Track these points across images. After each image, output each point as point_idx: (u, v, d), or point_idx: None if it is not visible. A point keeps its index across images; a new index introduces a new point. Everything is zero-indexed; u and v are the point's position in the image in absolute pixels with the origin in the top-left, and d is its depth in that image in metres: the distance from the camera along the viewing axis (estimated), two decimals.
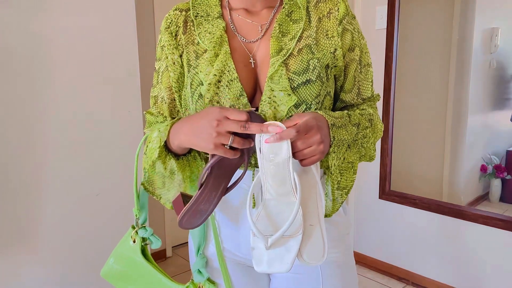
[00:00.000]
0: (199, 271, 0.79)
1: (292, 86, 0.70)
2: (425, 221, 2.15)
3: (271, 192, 0.63)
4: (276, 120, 0.69)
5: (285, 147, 0.61)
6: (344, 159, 0.72)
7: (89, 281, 1.61)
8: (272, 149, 0.61)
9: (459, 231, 2.03)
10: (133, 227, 0.85)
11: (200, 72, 0.72)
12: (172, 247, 2.66)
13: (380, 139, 2.26)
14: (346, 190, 0.73)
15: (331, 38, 0.73)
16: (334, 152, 0.70)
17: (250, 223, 0.62)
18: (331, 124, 0.68)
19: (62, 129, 1.50)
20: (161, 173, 0.73)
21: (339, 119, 0.70)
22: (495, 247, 1.91)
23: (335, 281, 0.77)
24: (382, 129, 0.82)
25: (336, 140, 0.69)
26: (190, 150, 0.75)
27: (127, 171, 1.65)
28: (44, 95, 1.45)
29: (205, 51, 0.73)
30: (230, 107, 0.70)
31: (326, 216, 0.75)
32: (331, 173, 0.71)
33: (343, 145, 0.71)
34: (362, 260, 2.44)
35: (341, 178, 0.72)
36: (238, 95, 0.70)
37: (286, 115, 0.70)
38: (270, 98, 0.70)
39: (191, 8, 0.78)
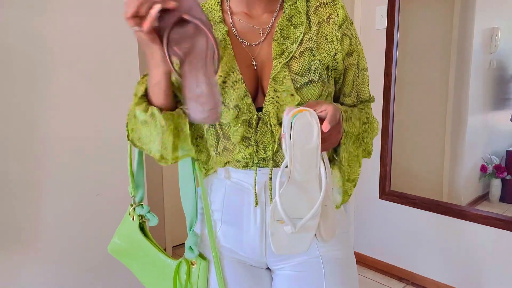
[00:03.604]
0: (191, 248, 0.80)
1: (295, 87, 0.72)
2: (425, 221, 2.15)
3: (296, 178, 0.64)
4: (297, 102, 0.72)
5: (316, 135, 0.62)
6: (350, 152, 0.76)
7: (88, 281, 1.61)
8: (304, 136, 0.62)
9: (459, 231, 2.03)
10: (131, 205, 0.88)
11: None
12: (172, 247, 2.66)
13: (380, 138, 2.27)
14: (354, 183, 0.78)
15: (330, 43, 0.76)
16: (344, 144, 0.73)
17: (279, 210, 0.63)
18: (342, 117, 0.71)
19: (62, 129, 1.50)
20: (143, 119, 0.71)
21: (346, 113, 0.73)
22: (495, 247, 1.91)
23: (338, 277, 0.79)
24: (378, 128, 0.86)
25: (346, 132, 0.72)
26: (175, 107, 0.74)
27: (127, 171, 1.65)
28: (44, 95, 1.45)
29: None
30: (234, 107, 0.72)
31: (335, 207, 0.79)
32: (342, 165, 0.74)
33: (350, 137, 0.75)
34: (362, 260, 2.44)
35: (350, 170, 0.76)
36: (242, 95, 0.73)
37: None
38: (273, 98, 0.72)
39: None
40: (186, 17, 0.60)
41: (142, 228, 0.87)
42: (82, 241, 1.58)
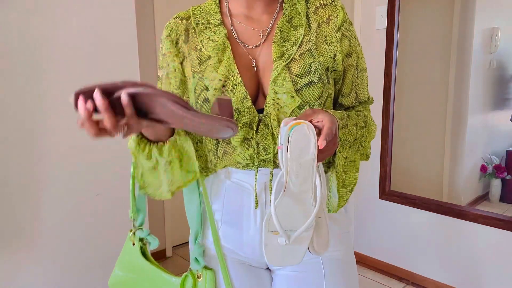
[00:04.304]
0: (196, 259, 0.80)
1: (296, 88, 0.72)
2: (425, 221, 2.15)
3: (292, 189, 0.65)
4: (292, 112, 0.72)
5: (312, 148, 0.62)
6: (346, 158, 0.76)
7: (88, 281, 1.61)
8: (300, 149, 0.63)
9: (459, 231, 2.03)
10: (131, 230, 0.87)
11: (206, 78, 0.74)
12: (172, 247, 2.66)
13: (380, 139, 2.27)
14: (350, 188, 0.77)
15: (330, 44, 0.76)
16: (340, 152, 0.73)
17: (274, 221, 0.63)
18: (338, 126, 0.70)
19: (62, 129, 1.50)
20: (150, 166, 0.71)
21: (342, 120, 0.73)
22: (495, 247, 1.91)
23: (338, 278, 0.79)
24: (376, 130, 0.86)
25: (342, 141, 0.72)
26: (172, 133, 0.72)
27: (127, 171, 1.65)
28: (44, 95, 1.45)
29: (209, 57, 0.75)
30: (234, 110, 0.72)
31: (331, 212, 0.79)
32: (336, 172, 0.74)
33: (346, 144, 0.74)
34: (362, 260, 2.44)
35: (345, 176, 0.76)
36: (242, 98, 0.72)
37: (289, 116, 0.72)
38: (274, 100, 0.72)
39: (191, 16, 0.80)
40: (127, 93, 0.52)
41: (143, 253, 0.86)
42: (82, 241, 1.58)
